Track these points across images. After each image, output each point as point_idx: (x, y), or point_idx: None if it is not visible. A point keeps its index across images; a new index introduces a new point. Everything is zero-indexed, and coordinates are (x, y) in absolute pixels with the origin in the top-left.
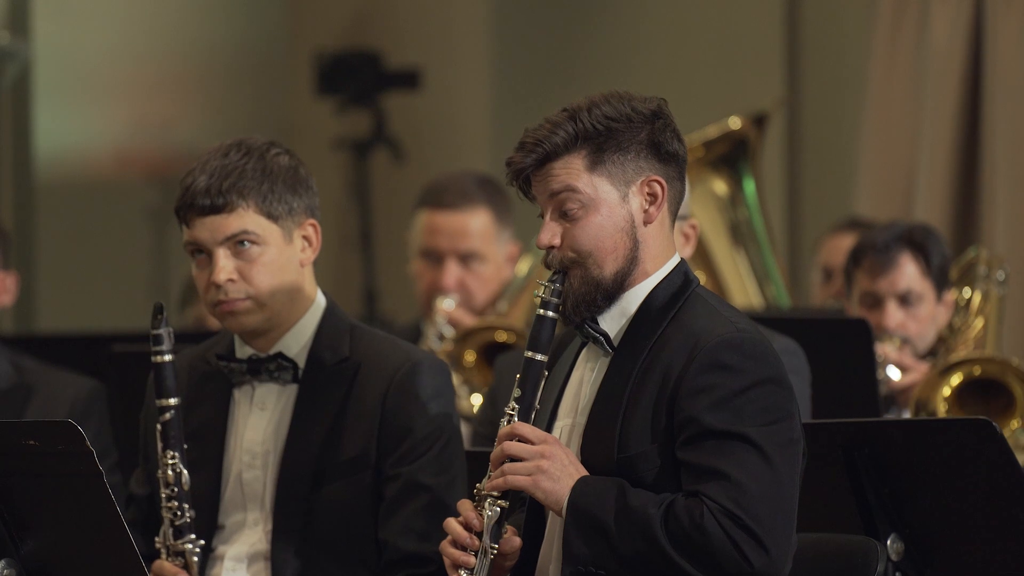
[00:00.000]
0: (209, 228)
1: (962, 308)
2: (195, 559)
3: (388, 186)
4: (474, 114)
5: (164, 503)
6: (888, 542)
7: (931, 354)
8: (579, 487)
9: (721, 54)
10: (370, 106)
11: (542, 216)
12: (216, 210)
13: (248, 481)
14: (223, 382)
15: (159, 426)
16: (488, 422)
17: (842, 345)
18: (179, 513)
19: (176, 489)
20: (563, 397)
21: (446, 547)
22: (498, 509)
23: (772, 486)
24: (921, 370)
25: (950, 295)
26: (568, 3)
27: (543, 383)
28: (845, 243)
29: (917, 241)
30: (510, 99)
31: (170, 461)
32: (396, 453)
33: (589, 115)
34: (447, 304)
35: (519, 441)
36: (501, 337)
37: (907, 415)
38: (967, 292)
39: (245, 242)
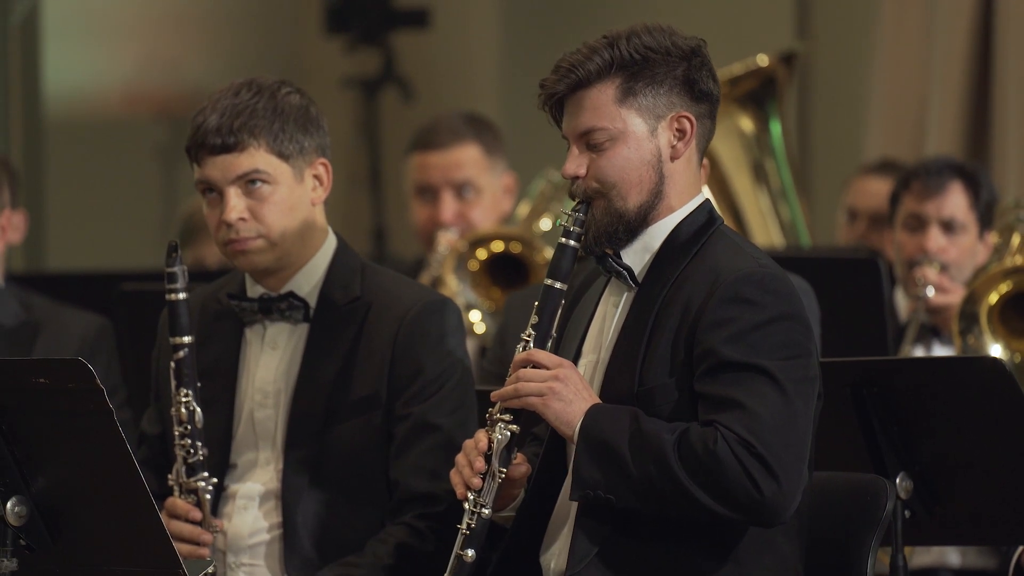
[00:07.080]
0: (220, 167)
1: (1000, 250)
2: (207, 497)
3: (397, 125)
4: (483, 52)
5: (177, 441)
6: (897, 480)
7: None
8: (592, 412)
9: None
10: (379, 45)
11: (567, 141)
12: (227, 149)
13: (260, 420)
14: (235, 321)
15: (173, 364)
16: (497, 361)
17: (852, 284)
18: (192, 451)
19: (189, 427)
20: (588, 335)
21: (457, 468)
22: (508, 433)
23: (786, 418)
24: (960, 293)
25: (992, 237)
26: None
27: (560, 312)
28: (873, 185)
29: (969, 173)
30: (519, 37)
31: (183, 399)
32: (407, 393)
33: (628, 43)
34: (449, 235)
35: (534, 367)
36: (516, 248)
37: (938, 349)
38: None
39: (256, 181)
